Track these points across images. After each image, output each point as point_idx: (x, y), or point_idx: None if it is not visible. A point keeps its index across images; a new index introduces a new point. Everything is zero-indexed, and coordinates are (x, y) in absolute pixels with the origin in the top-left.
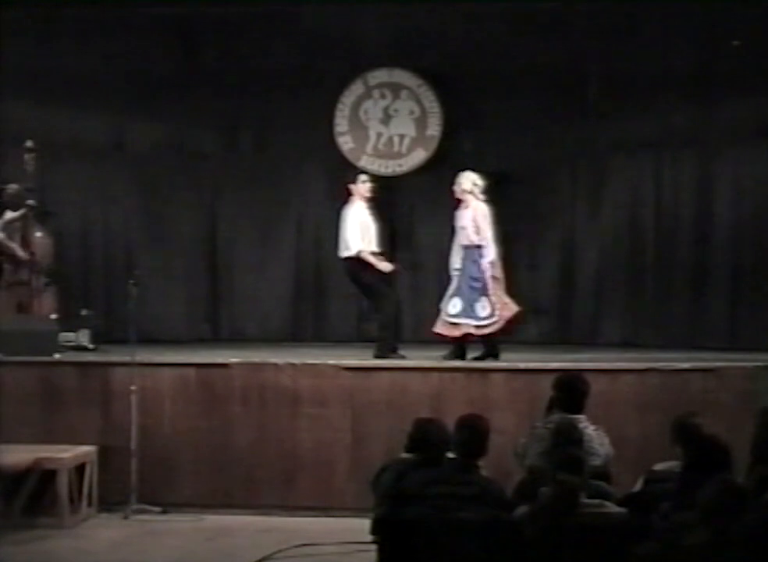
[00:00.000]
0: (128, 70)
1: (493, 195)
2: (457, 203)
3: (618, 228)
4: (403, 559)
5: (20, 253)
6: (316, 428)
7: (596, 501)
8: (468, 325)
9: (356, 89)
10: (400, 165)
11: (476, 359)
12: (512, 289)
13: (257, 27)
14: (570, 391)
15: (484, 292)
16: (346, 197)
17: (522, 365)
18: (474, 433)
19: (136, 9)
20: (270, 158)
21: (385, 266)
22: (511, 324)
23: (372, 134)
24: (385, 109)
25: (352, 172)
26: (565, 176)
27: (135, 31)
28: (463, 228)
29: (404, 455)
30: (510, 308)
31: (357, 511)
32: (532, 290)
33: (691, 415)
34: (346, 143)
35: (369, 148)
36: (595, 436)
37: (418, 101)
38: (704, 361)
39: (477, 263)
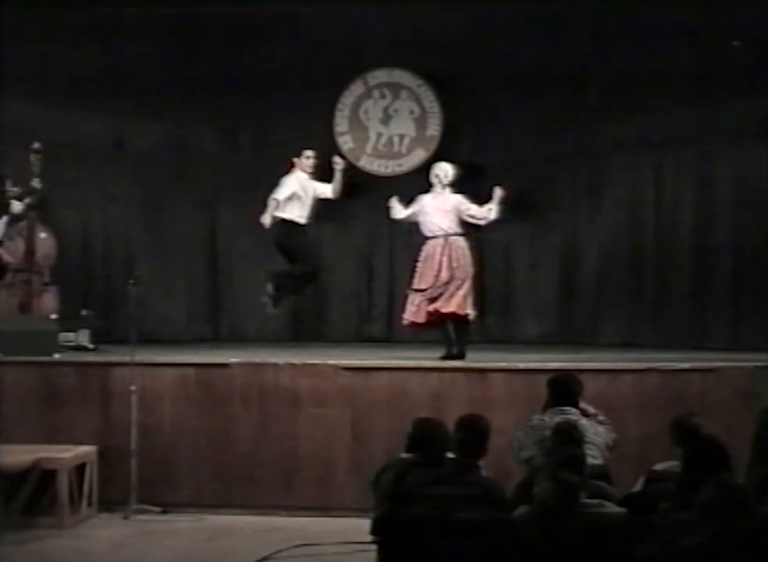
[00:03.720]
0: (128, 70)
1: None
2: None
3: (618, 228)
4: (403, 559)
5: (10, 259)
6: (316, 428)
7: (596, 501)
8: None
9: (356, 89)
10: (400, 165)
11: (442, 358)
12: (511, 290)
13: (257, 27)
14: (563, 389)
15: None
16: (288, 169)
17: (522, 365)
18: (474, 433)
19: (136, 9)
20: (270, 158)
21: (264, 218)
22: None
23: (372, 134)
24: (385, 109)
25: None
26: (565, 175)
27: (135, 31)
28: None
29: (404, 455)
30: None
31: (357, 511)
32: (532, 290)
33: (691, 415)
34: (346, 143)
35: (369, 148)
36: (589, 426)
37: (418, 101)
38: (704, 361)
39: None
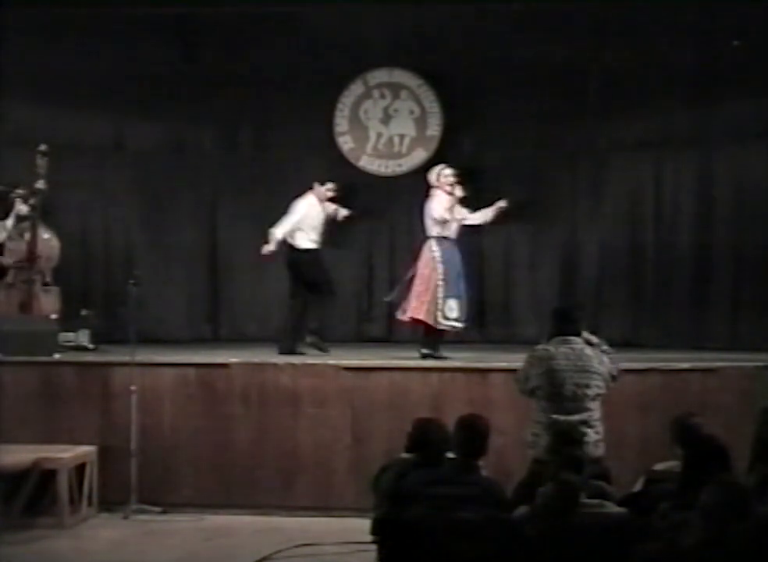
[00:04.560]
0: (128, 70)
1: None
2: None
3: (618, 228)
4: (403, 559)
5: (9, 261)
6: (316, 428)
7: (596, 501)
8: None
9: (356, 89)
10: (400, 165)
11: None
12: (511, 290)
13: (257, 27)
14: (566, 319)
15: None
16: (304, 191)
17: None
18: (474, 433)
19: (136, 9)
20: (270, 158)
21: (265, 248)
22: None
23: (372, 134)
24: (385, 109)
25: (324, 177)
26: (565, 175)
27: (135, 31)
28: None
29: (404, 455)
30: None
31: (357, 511)
32: (532, 290)
33: (691, 415)
34: (346, 143)
35: (369, 148)
36: (593, 356)
37: (418, 101)
38: (704, 360)
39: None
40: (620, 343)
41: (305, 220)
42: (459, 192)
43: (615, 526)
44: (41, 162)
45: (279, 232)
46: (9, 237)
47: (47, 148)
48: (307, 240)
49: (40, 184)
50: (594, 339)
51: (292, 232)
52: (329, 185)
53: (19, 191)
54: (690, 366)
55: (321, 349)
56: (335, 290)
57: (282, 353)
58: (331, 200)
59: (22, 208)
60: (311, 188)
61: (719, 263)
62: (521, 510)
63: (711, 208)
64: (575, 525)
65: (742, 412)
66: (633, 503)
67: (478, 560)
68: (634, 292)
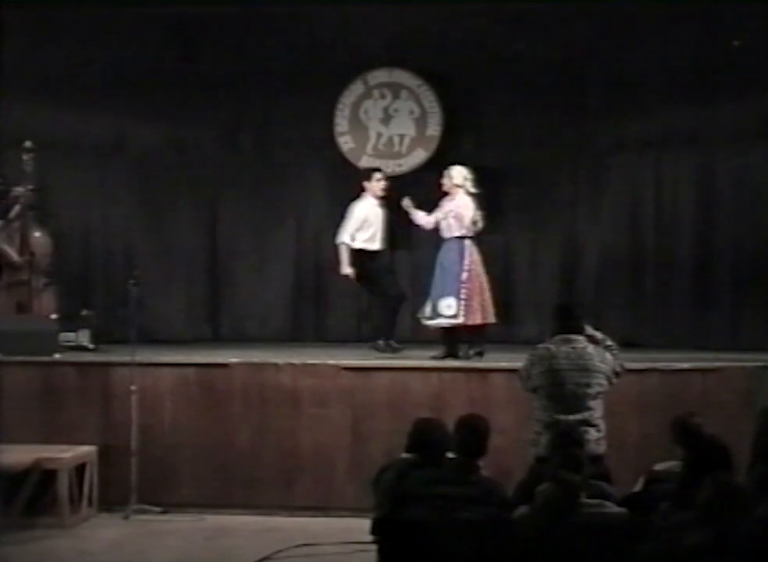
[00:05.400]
0: (128, 70)
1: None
2: (443, 196)
3: (618, 228)
4: (403, 559)
5: (15, 257)
6: (316, 428)
7: (596, 501)
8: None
9: (356, 89)
10: (400, 165)
11: (434, 358)
12: (511, 290)
13: (257, 27)
14: (568, 316)
15: (454, 288)
16: (358, 192)
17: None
18: (474, 433)
19: (135, 9)
20: (270, 158)
21: (343, 269)
22: (472, 331)
23: (372, 134)
24: (385, 109)
25: (363, 169)
26: (565, 175)
27: (135, 31)
28: (446, 219)
29: (404, 455)
30: (479, 315)
31: (357, 511)
32: (532, 290)
33: (691, 415)
34: (346, 143)
35: (369, 148)
36: (596, 354)
37: (418, 101)
38: (704, 360)
39: (458, 254)
40: (620, 343)
41: (367, 221)
42: (473, 190)
43: (615, 526)
44: (27, 159)
45: (341, 237)
46: (5, 237)
47: (31, 144)
48: (368, 243)
49: (29, 181)
50: (598, 334)
51: (353, 235)
52: (378, 175)
53: (20, 189)
54: (690, 366)
55: (393, 350)
56: (401, 295)
57: (380, 351)
58: (384, 198)
59: (15, 207)
60: (363, 190)
61: (719, 263)
62: (521, 510)
63: (711, 208)
64: (575, 525)
65: (742, 412)
66: (633, 503)
67: (478, 560)
68: (634, 292)
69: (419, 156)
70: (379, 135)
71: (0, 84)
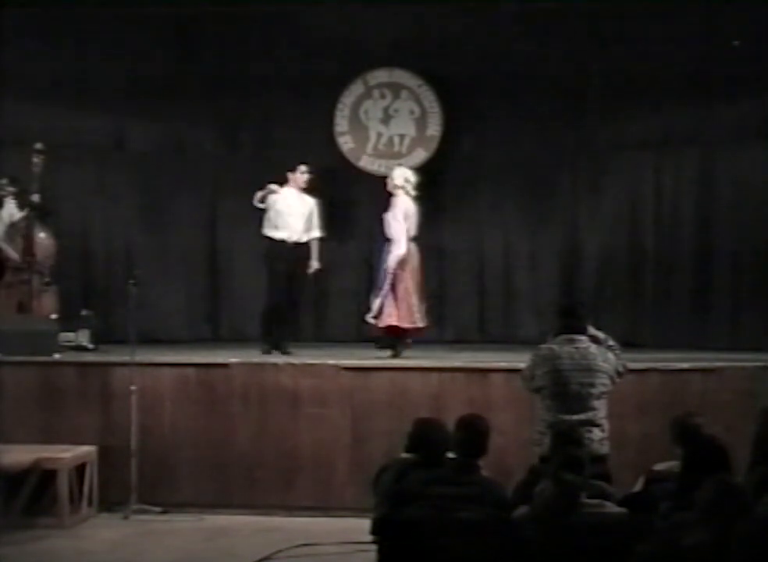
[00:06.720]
0: (128, 70)
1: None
2: (388, 196)
3: (618, 228)
4: (403, 559)
5: (15, 256)
6: (316, 428)
7: (596, 501)
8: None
9: (356, 89)
10: (400, 165)
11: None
12: (511, 290)
13: (256, 27)
14: (571, 316)
15: (380, 289)
16: (283, 183)
17: (522, 365)
18: (474, 433)
19: (135, 9)
20: (270, 158)
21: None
22: (396, 333)
23: (372, 134)
24: (385, 109)
25: (297, 163)
26: (565, 175)
27: (135, 31)
28: (385, 221)
29: (404, 455)
30: (394, 318)
31: (357, 511)
32: (532, 290)
33: (691, 415)
34: (346, 143)
35: (369, 148)
36: (598, 354)
37: (418, 101)
38: (704, 361)
39: (387, 255)
40: (620, 343)
41: (283, 211)
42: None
43: (615, 526)
44: (38, 161)
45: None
46: (9, 238)
47: (42, 146)
48: (284, 234)
49: (37, 183)
50: (600, 334)
51: (269, 224)
52: (302, 168)
53: (10, 189)
54: (690, 366)
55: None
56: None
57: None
58: (307, 190)
59: (11, 205)
60: (286, 180)
61: (719, 263)
62: (521, 510)
63: (711, 208)
64: (575, 525)
65: (742, 412)
66: (633, 503)
67: (478, 560)
68: (634, 292)
69: (419, 156)
70: (379, 135)
71: (0, 84)
